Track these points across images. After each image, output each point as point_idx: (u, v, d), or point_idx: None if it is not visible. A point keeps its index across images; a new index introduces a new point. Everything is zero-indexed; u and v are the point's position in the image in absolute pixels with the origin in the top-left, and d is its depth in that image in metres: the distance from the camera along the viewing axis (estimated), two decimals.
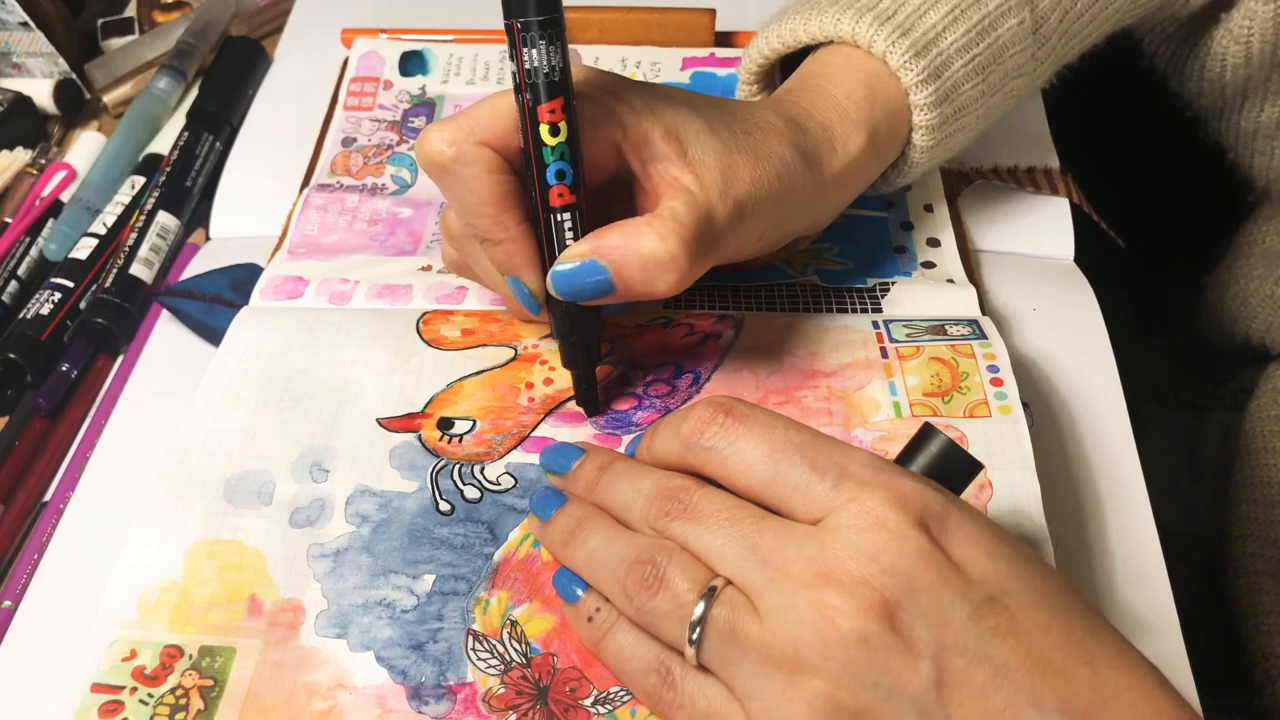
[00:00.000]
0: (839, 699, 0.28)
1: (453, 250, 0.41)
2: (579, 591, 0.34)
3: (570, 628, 0.35)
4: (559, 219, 0.37)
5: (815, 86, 0.42)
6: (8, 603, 0.40)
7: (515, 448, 0.40)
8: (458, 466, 0.40)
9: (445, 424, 0.41)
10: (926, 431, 0.33)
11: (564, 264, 0.36)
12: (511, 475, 0.40)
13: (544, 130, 0.35)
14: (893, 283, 0.46)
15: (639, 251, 0.35)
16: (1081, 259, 0.50)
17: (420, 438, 0.41)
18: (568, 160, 0.36)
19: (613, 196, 0.39)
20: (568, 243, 0.37)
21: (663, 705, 0.32)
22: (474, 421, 0.41)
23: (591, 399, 0.41)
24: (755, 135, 0.39)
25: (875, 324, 0.44)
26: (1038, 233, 0.51)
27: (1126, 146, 0.76)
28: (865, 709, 0.28)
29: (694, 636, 0.30)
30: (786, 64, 0.46)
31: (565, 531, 0.35)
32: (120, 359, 0.49)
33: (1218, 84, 0.55)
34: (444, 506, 0.39)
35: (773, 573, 0.29)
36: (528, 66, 0.35)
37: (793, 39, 0.44)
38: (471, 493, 0.39)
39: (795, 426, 0.32)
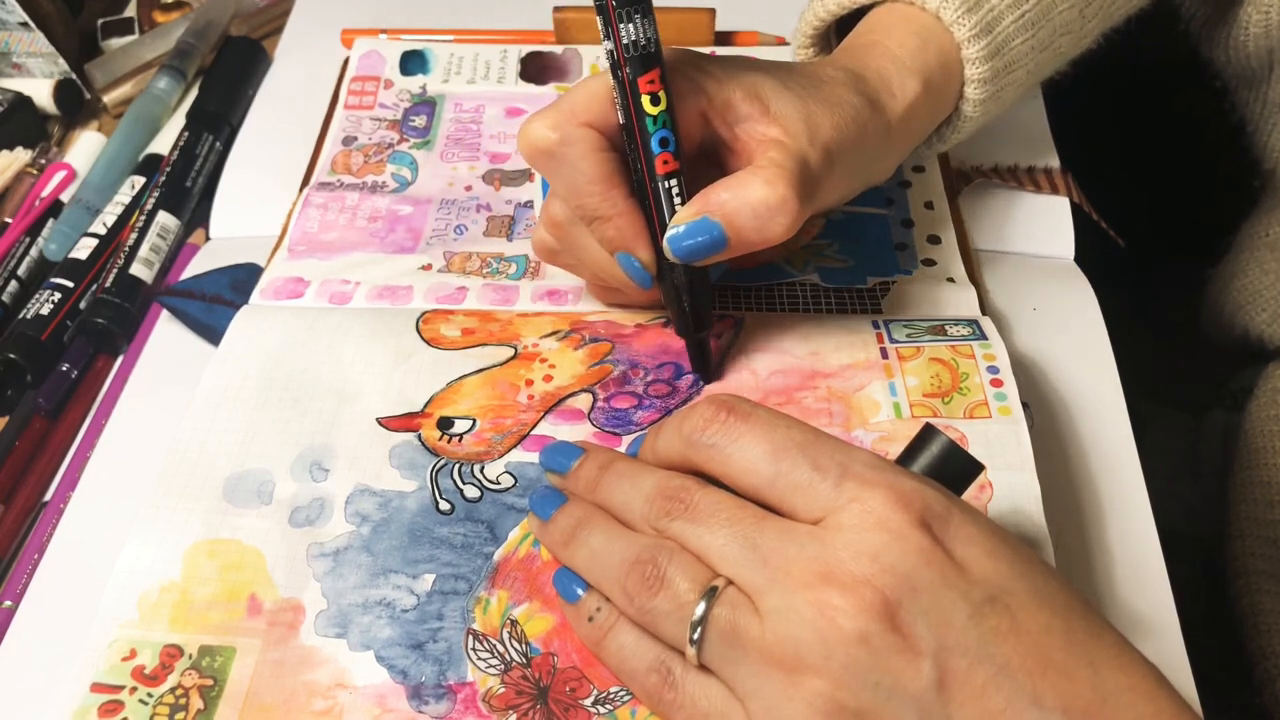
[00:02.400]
0: (840, 699, 0.28)
1: (550, 238, 0.42)
2: (579, 591, 0.34)
3: (570, 627, 0.35)
4: (666, 186, 0.38)
5: (869, 41, 0.43)
6: (8, 603, 0.40)
7: (515, 446, 0.40)
8: (457, 465, 0.40)
9: (445, 423, 0.41)
10: (927, 432, 0.33)
11: (676, 226, 0.37)
12: (511, 474, 0.40)
13: (645, 101, 0.37)
14: (893, 282, 0.46)
15: (749, 201, 0.36)
16: (1081, 259, 0.50)
17: (420, 437, 0.41)
18: (669, 127, 0.37)
19: (700, 171, 0.40)
20: (676, 208, 0.38)
21: (663, 705, 0.32)
22: (474, 420, 0.41)
23: (707, 365, 0.42)
24: (824, 88, 0.40)
25: (875, 324, 0.44)
26: (1038, 232, 0.51)
27: (1126, 145, 0.76)
28: (866, 709, 0.28)
29: (695, 636, 0.30)
30: (841, 29, 0.47)
31: (565, 531, 0.35)
32: (120, 359, 0.49)
33: (1242, 52, 0.55)
34: (444, 506, 0.39)
35: (774, 572, 0.29)
36: (625, 41, 0.36)
37: None
38: (471, 492, 0.39)
39: (797, 425, 0.32)
